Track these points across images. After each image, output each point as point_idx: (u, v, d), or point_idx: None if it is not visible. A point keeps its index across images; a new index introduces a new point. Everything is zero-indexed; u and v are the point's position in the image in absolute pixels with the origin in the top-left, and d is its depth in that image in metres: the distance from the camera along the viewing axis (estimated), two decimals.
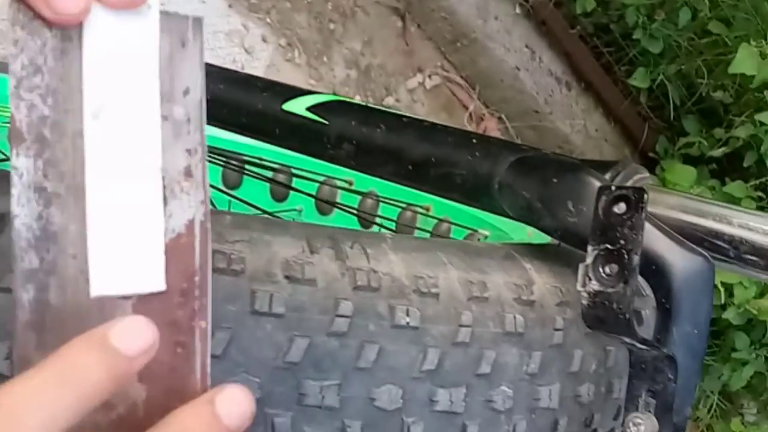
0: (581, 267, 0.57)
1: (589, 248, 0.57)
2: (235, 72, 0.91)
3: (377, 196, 1.31)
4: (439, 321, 0.57)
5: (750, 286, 2.05)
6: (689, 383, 0.59)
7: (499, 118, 2.57)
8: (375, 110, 0.80)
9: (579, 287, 0.56)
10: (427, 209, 1.29)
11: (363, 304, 0.55)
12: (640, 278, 0.61)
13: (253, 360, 0.51)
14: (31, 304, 0.36)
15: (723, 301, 2.07)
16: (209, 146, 1.20)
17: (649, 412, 0.59)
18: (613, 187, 0.56)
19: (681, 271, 0.59)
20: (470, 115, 2.52)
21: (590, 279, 0.56)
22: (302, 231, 0.57)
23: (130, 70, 0.36)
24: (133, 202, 0.38)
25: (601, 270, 0.56)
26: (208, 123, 0.97)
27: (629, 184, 0.63)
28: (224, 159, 1.26)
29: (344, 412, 0.54)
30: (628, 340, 0.57)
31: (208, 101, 0.93)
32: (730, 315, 2.12)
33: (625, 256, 0.55)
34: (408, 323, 0.56)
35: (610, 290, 0.56)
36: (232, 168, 1.34)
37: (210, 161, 1.23)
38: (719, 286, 2.03)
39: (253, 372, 0.51)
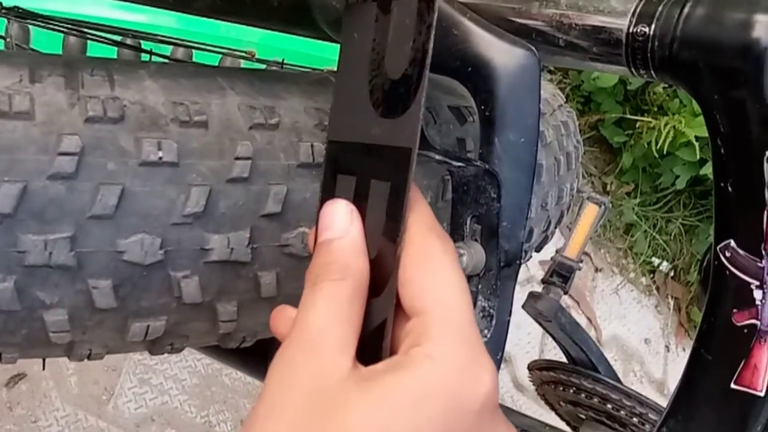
0: None
1: None
2: None
3: (285, 65, 1.20)
4: (206, 154, 0.47)
5: None
6: (520, 202, 0.49)
7: None
8: None
9: None
10: None
11: (97, 138, 0.45)
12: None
13: None
14: None
15: (699, 157, 1.95)
16: (110, 26, 1.09)
17: (476, 240, 0.49)
18: None
19: (501, 68, 0.48)
20: None
21: None
22: (27, 60, 0.47)
23: None
24: None
25: None
26: None
27: None
28: (122, 40, 1.15)
29: (86, 271, 0.45)
30: (438, 157, 0.47)
31: None
32: (708, 170, 2.00)
33: None
34: (161, 158, 0.46)
35: None
36: (130, 48, 1.24)
37: (108, 43, 1.11)
38: (693, 140, 1.91)
39: None
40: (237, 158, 0.48)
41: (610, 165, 2.25)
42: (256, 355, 0.71)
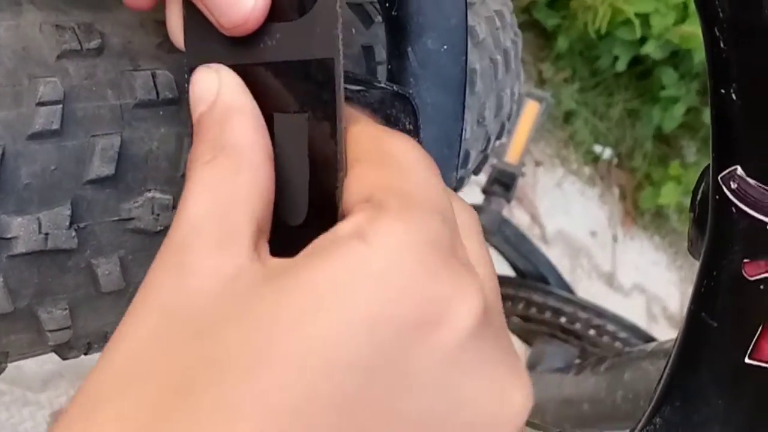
0: None
1: None
2: None
3: None
4: None
5: (668, 12, 1.80)
6: (448, 133, 0.36)
7: None
8: None
9: None
10: None
11: None
12: None
13: None
14: None
15: (639, 35, 1.83)
16: None
17: None
18: None
19: None
20: None
21: None
22: None
23: None
24: None
25: None
26: None
27: None
28: None
29: None
30: None
31: None
32: (650, 49, 1.88)
33: None
34: None
35: None
36: None
37: None
38: (633, 17, 1.78)
39: None
40: (40, 103, 0.33)
41: (544, 51, 2.12)
42: None
